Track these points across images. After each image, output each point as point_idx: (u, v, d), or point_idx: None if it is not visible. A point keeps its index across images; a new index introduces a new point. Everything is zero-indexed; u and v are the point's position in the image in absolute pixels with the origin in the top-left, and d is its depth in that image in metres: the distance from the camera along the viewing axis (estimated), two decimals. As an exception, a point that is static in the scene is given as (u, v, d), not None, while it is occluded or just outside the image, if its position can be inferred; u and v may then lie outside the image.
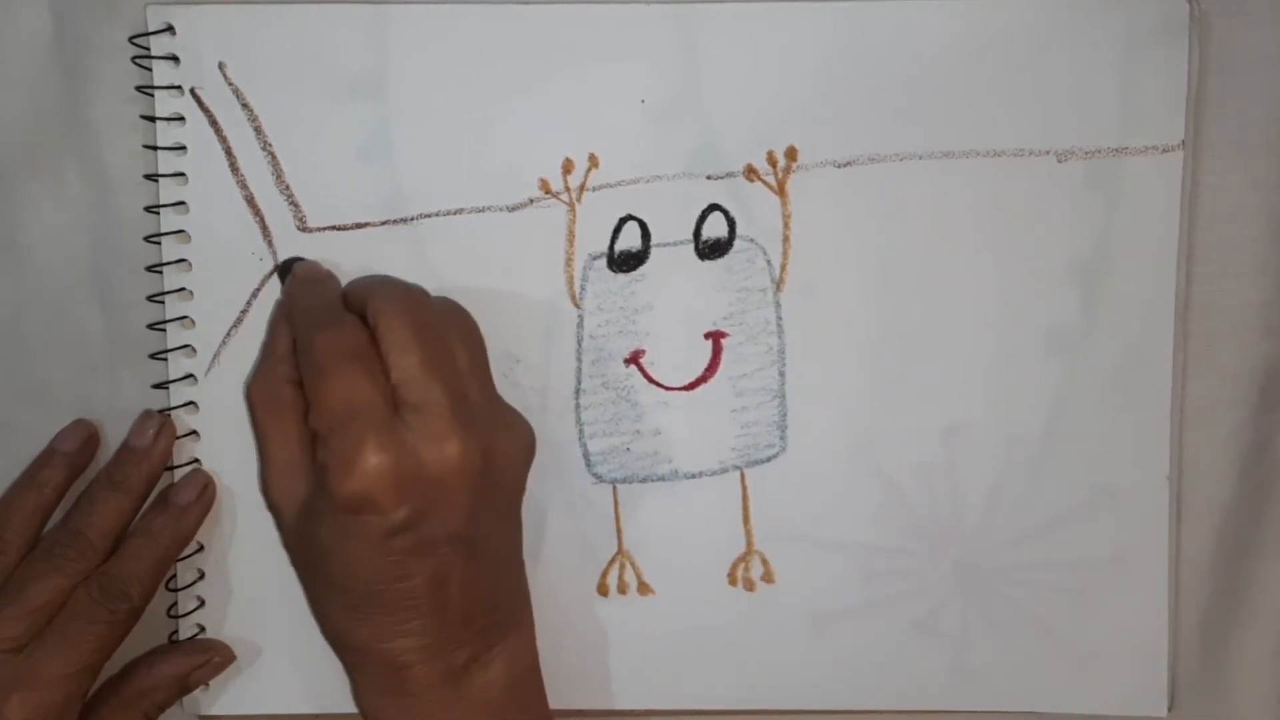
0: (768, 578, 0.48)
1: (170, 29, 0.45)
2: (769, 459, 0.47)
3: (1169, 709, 0.48)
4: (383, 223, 0.46)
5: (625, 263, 0.46)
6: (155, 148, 0.46)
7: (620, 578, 0.48)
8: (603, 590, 0.48)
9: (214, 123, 0.46)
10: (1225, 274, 0.47)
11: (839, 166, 0.46)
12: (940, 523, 0.47)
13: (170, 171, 0.46)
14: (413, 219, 0.46)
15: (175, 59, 0.45)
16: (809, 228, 0.46)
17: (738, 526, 0.47)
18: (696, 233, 0.46)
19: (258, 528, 0.47)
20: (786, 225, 0.46)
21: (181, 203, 0.46)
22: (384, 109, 0.46)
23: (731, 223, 0.46)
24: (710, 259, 0.46)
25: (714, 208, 0.46)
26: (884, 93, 0.46)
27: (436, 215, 0.46)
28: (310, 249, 0.46)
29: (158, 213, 0.46)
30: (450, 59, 0.45)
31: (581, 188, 0.46)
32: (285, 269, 0.45)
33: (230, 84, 0.45)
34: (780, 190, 0.46)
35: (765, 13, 0.45)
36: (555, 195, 0.46)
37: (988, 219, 0.46)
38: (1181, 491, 0.47)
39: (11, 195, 0.46)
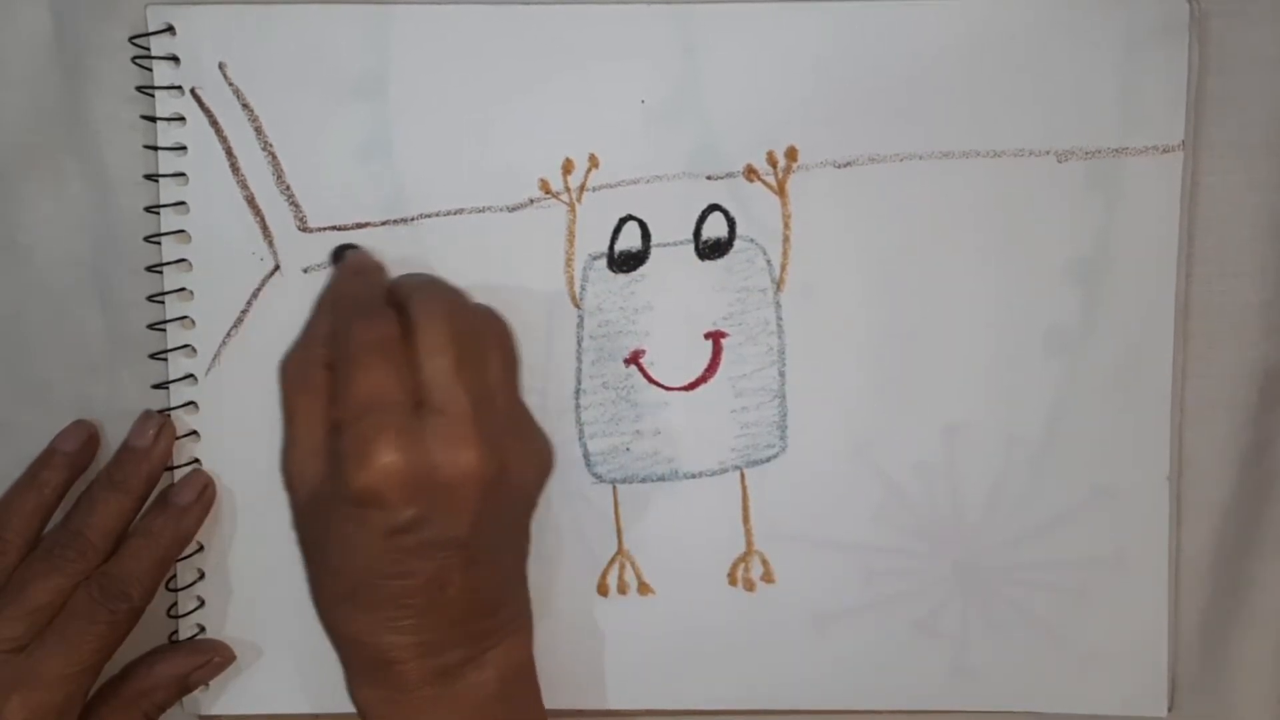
0: (768, 578, 0.48)
1: (170, 29, 0.45)
2: (769, 459, 0.47)
3: (1169, 709, 0.48)
4: (383, 223, 0.46)
5: (625, 263, 0.46)
6: (155, 148, 0.46)
7: (620, 578, 0.48)
8: (603, 590, 0.48)
9: (214, 123, 0.46)
10: (1225, 274, 0.47)
11: (839, 167, 0.46)
12: (940, 523, 0.47)
13: (171, 172, 0.46)
14: (413, 219, 0.46)
15: (175, 59, 0.45)
16: (809, 228, 0.46)
17: (738, 526, 0.47)
18: (696, 233, 0.46)
19: (258, 528, 0.47)
20: (786, 225, 0.46)
21: (182, 203, 0.46)
22: (384, 109, 0.46)
23: (731, 223, 0.46)
24: (710, 259, 0.46)
25: (714, 208, 0.46)
26: (884, 93, 0.46)
27: (437, 215, 0.46)
28: (310, 249, 0.46)
29: (158, 213, 0.46)
30: (451, 59, 0.46)
31: (582, 188, 0.46)
32: (338, 254, 0.45)
33: (230, 84, 0.45)
34: (780, 190, 0.46)
35: (765, 13, 0.45)
36: (555, 195, 0.46)
37: (988, 219, 0.46)
38: (1181, 491, 0.47)
39: (12, 195, 0.46)
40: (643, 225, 0.46)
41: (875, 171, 0.46)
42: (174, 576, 0.47)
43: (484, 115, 0.46)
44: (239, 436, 0.46)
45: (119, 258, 0.46)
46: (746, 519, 0.47)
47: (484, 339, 0.41)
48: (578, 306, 0.47)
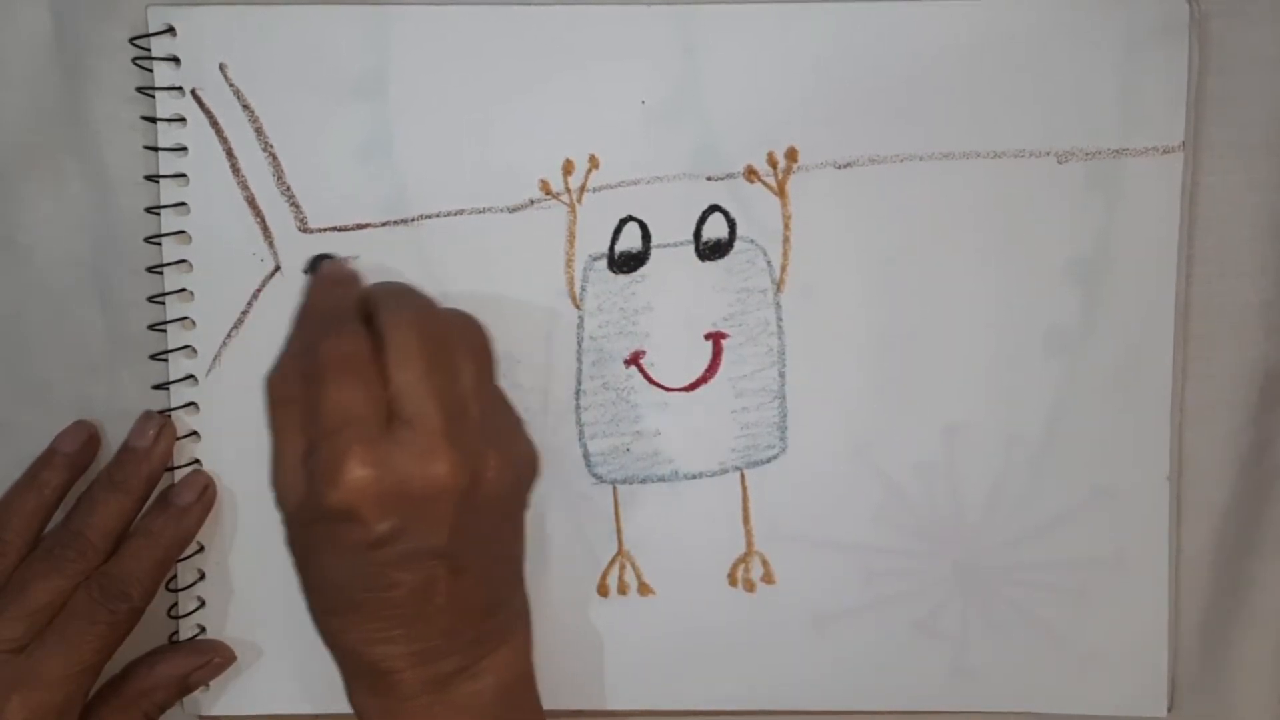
0: (768, 578, 0.48)
1: (171, 30, 0.45)
2: (769, 459, 0.47)
3: (1169, 709, 0.48)
4: (383, 223, 0.46)
5: (625, 264, 0.46)
6: (156, 149, 0.46)
7: (620, 578, 0.48)
8: (603, 591, 0.48)
9: (215, 124, 0.46)
10: (1225, 274, 0.47)
11: (839, 167, 0.46)
12: (940, 523, 0.47)
13: (171, 172, 0.46)
14: (413, 220, 0.46)
15: (176, 60, 0.45)
16: (809, 228, 0.46)
17: (738, 527, 0.47)
18: (697, 234, 0.46)
19: (258, 528, 0.47)
20: (787, 226, 0.46)
21: (182, 204, 0.46)
22: (384, 110, 0.46)
23: (732, 224, 0.46)
24: (710, 260, 0.46)
25: (714, 209, 0.46)
26: (884, 93, 0.46)
27: (437, 216, 0.46)
28: (311, 250, 0.46)
29: (158, 214, 0.46)
30: (451, 60, 0.46)
31: (582, 189, 0.46)
32: (314, 265, 0.45)
33: (231, 85, 0.46)
34: (780, 191, 0.46)
35: (765, 13, 0.45)
36: (556, 196, 0.46)
37: (988, 219, 0.46)
38: (1181, 491, 0.47)
39: (12, 196, 0.46)
40: (643, 226, 0.46)
41: (875, 172, 0.46)
42: (174, 577, 0.47)
43: (484, 116, 0.46)
44: (239, 437, 0.46)
45: (119, 258, 0.46)
46: (746, 519, 0.47)
47: (455, 346, 0.40)
48: (578, 307, 0.47)
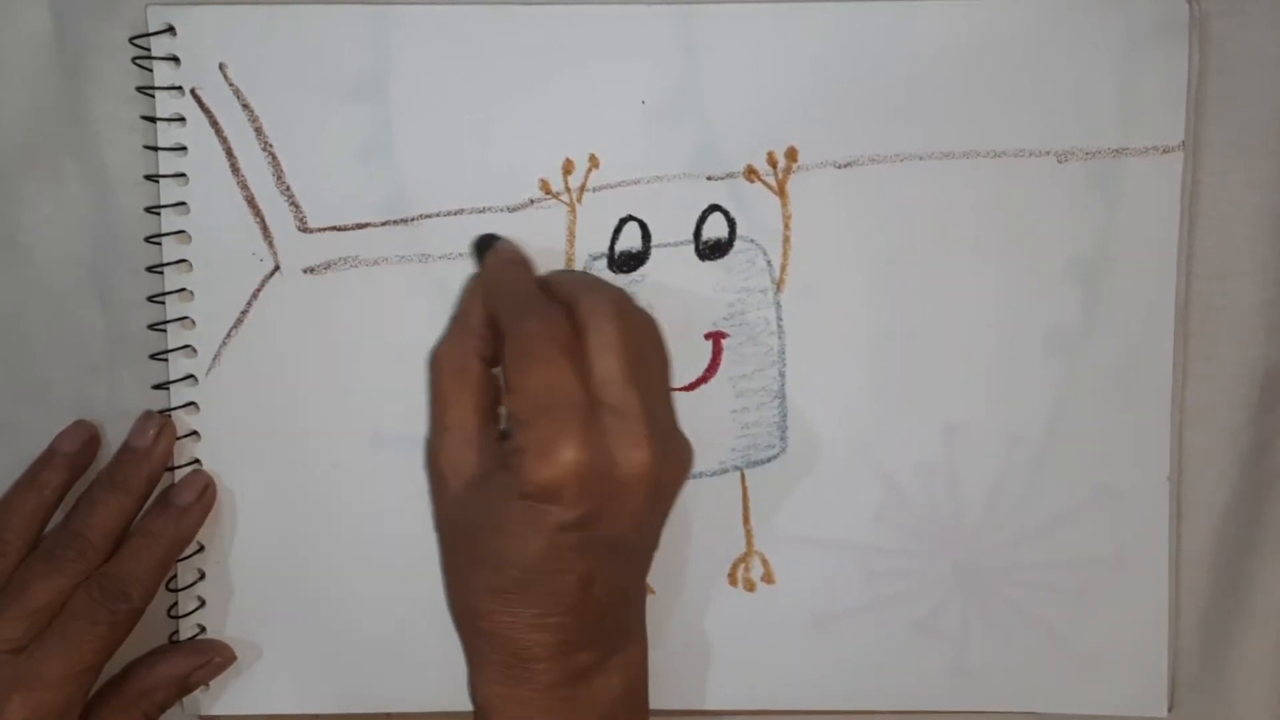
0: (768, 578, 0.48)
1: (171, 29, 0.45)
2: (769, 459, 0.47)
3: (1169, 709, 0.48)
4: (383, 223, 0.46)
5: (626, 263, 0.46)
6: (156, 148, 0.46)
7: (620, 578, 0.48)
8: (603, 590, 0.48)
9: (214, 123, 0.46)
10: (1225, 274, 0.47)
11: (839, 167, 0.46)
12: (940, 523, 0.47)
13: (171, 172, 0.46)
14: (413, 219, 0.46)
15: (176, 60, 0.45)
16: (809, 228, 0.46)
17: (738, 527, 0.47)
18: (697, 233, 0.46)
19: (258, 528, 0.47)
20: (787, 226, 0.46)
21: (182, 203, 0.46)
22: (384, 109, 0.46)
23: (732, 223, 0.46)
24: (710, 260, 0.46)
25: (714, 208, 0.46)
26: (884, 93, 0.46)
27: (437, 216, 0.46)
28: (310, 250, 0.46)
29: (158, 213, 0.46)
30: (451, 59, 0.46)
31: (582, 188, 0.46)
32: (481, 244, 0.44)
33: (231, 85, 0.46)
34: (780, 191, 0.46)
35: (765, 13, 0.45)
36: (556, 196, 0.46)
37: (988, 219, 0.46)
38: (1181, 491, 0.47)
39: (12, 196, 0.46)
40: (643, 226, 0.46)
41: (875, 171, 0.46)
42: (174, 577, 0.47)
43: (484, 115, 0.46)
44: (239, 437, 0.46)
45: (119, 258, 0.46)
46: (746, 519, 0.47)
47: (647, 340, 0.41)
48: (578, 307, 0.46)
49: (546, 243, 0.46)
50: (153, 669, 0.46)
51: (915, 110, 0.46)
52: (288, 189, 0.46)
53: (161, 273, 0.46)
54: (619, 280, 0.46)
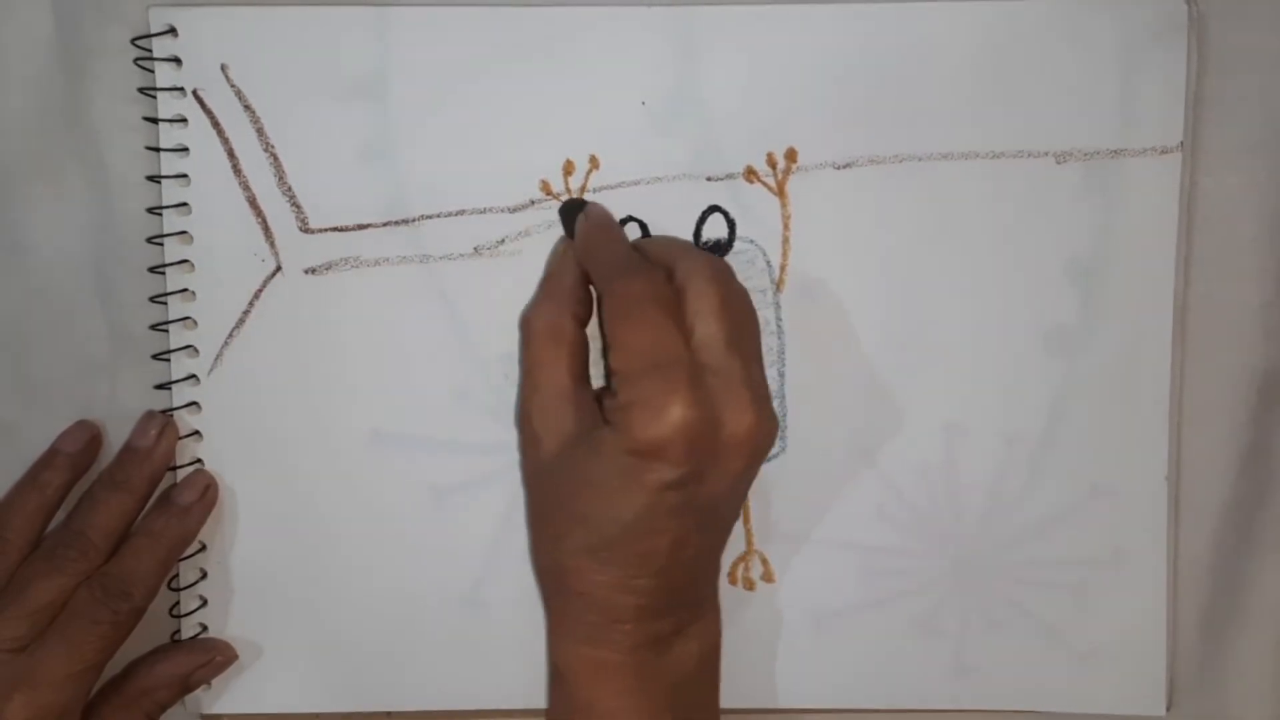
0: (768, 577, 0.48)
1: (172, 31, 0.45)
2: (769, 459, 0.47)
3: (1167, 708, 0.48)
4: (384, 224, 0.46)
5: (626, 263, 0.46)
6: (157, 149, 0.46)
7: (621, 577, 0.48)
8: (603, 590, 0.48)
9: (216, 124, 0.46)
10: (1224, 275, 0.47)
11: (839, 168, 0.46)
12: (940, 522, 0.47)
13: (172, 173, 0.46)
14: (414, 220, 0.46)
15: (177, 61, 0.46)
16: (808, 229, 0.46)
17: (738, 526, 0.47)
18: (696, 234, 0.46)
19: (260, 527, 0.47)
20: (786, 226, 0.46)
21: (184, 204, 0.46)
22: (386, 110, 0.46)
23: (731, 224, 0.46)
24: (710, 260, 0.46)
25: (714, 209, 0.46)
26: (883, 93, 0.46)
27: (438, 216, 0.46)
28: (312, 250, 0.46)
29: (160, 214, 0.46)
30: (452, 60, 0.46)
31: (582, 189, 0.46)
32: (569, 208, 0.45)
33: (232, 86, 0.46)
34: (780, 192, 0.46)
35: (765, 14, 0.45)
36: (556, 196, 0.46)
37: (988, 219, 0.46)
38: (1181, 491, 0.47)
39: (14, 197, 0.46)
40: (643, 226, 0.46)
41: (874, 172, 0.46)
42: (176, 576, 0.47)
43: (485, 116, 0.46)
44: (241, 436, 0.46)
45: (121, 259, 0.46)
46: (746, 519, 0.47)
47: (745, 307, 0.41)
48: (578, 307, 0.47)
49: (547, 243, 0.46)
50: (154, 668, 0.46)
51: (914, 111, 0.46)
52: (289, 190, 0.46)
53: (163, 273, 0.46)
54: (619, 280, 0.46)
